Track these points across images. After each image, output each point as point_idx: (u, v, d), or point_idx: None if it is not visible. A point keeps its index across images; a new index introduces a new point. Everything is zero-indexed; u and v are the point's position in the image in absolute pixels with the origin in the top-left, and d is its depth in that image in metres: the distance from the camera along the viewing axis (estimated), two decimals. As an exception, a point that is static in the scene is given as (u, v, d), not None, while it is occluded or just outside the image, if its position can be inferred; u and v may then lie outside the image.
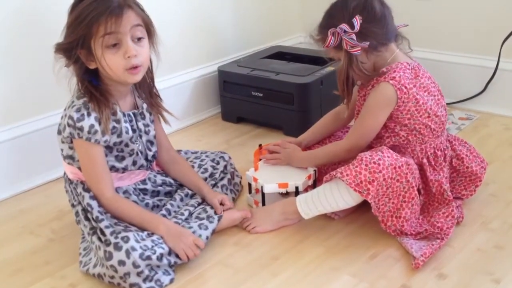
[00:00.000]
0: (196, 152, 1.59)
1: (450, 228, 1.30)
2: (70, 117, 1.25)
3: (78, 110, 1.25)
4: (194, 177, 1.46)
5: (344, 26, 1.29)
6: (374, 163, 1.26)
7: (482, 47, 1.97)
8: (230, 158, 1.58)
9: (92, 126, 1.25)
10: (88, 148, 1.27)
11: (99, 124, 1.26)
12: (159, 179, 1.44)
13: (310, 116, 1.86)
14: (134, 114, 1.35)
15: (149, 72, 1.37)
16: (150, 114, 1.40)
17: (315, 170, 1.49)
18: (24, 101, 1.60)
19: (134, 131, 1.34)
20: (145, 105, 1.38)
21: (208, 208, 1.38)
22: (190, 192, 1.44)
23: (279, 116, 1.93)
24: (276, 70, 1.96)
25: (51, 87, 1.57)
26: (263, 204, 1.45)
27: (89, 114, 1.25)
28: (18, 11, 1.53)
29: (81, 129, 1.25)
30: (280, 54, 2.14)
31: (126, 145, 1.33)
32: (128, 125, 1.32)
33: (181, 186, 1.46)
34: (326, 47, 1.35)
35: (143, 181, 1.40)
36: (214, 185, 1.48)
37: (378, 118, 1.34)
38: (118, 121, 1.30)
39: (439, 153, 1.39)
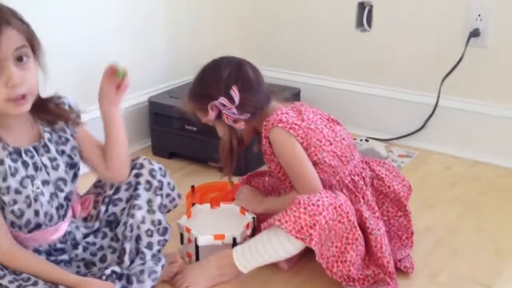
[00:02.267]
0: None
1: (389, 263, 1.23)
2: None
3: None
4: (106, 134, 1.22)
5: (223, 100, 1.25)
6: (313, 204, 1.17)
7: (421, 83, 1.95)
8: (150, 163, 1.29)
9: None
10: None
11: None
12: (81, 232, 1.23)
13: (247, 152, 1.75)
14: (35, 148, 1.13)
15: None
16: (60, 143, 1.17)
17: (253, 218, 1.37)
18: None
19: (36, 169, 1.12)
20: (47, 135, 1.15)
21: None
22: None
23: (214, 152, 1.80)
24: (211, 103, 1.84)
25: None
26: (197, 257, 1.32)
27: None
28: None
29: None
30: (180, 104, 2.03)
31: (17, 191, 1.10)
32: (18, 164, 1.10)
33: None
34: (205, 121, 1.32)
35: (61, 240, 1.19)
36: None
37: (301, 160, 1.27)
38: (0, 162, 1.08)
39: (356, 178, 1.32)
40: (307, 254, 1.28)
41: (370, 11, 2.00)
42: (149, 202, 1.23)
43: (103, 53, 1.79)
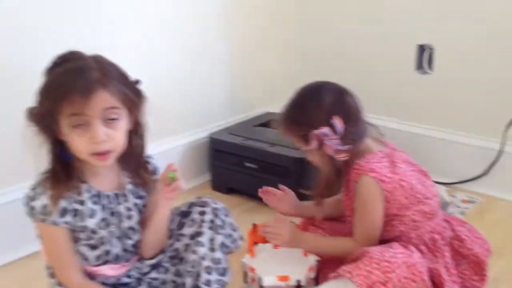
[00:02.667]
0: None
1: None
2: (25, 195, 1.12)
3: (33, 188, 1.11)
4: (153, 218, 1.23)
5: (326, 130, 1.22)
6: (387, 261, 1.14)
7: (484, 128, 1.90)
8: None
9: (45, 206, 1.10)
10: (47, 230, 1.12)
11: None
12: (146, 266, 1.25)
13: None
14: (116, 195, 1.18)
15: (139, 141, 1.19)
16: (138, 197, 1.22)
17: (317, 261, 1.35)
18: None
19: (113, 214, 1.18)
20: (130, 186, 1.21)
21: None
22: None
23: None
24: (270, 141, 1.85)
25: (14, 159, 1.44)
26: (260, 298, 1.31)
27: (43, 193, 1.10)
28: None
29: (33, 208, 1.10)
30: (273, 122, 2.04)
31: (93, 231, 1.15)
32: (97, 207, 1.15)
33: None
34: (305, 150, 1.28)
35: (127, 274, 1.22)
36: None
37: (374, 214, 1.26)
38: (82, 202, 1.13)
39: (437, 236, 1.29)
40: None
41: (430, 54, 1.98)
42: (211, 240, 1.24)
43: (166, 91, 1.83)
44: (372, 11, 2.07)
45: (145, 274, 1.25)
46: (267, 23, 2.19)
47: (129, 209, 1.20)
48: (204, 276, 1.21)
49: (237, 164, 1.86)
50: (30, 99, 1.09)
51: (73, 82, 1.04)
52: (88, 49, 1.10)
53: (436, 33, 1.95)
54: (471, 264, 1.32)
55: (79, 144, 1.07)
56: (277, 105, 2.19)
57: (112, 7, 1.67)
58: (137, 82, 1.14)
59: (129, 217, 1.20)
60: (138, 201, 1.22)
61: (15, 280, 1.41)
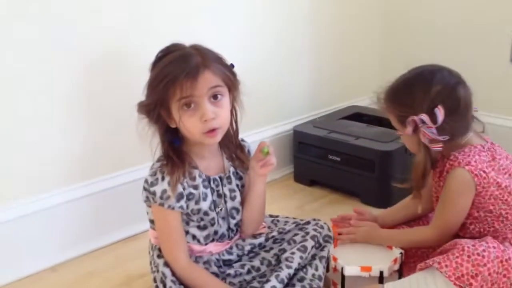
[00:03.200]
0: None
1: None
2: (146, 181, 1.22)
3: (153, 174, 1.21)
4: (246, 196, 1.32)
5: (425, 117, 1.19)
6: (478, 254, 1.12)
7: None
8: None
9: (164, 191, 1.19)
10: (163, 213, 1.21)
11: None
12: (248, 243, 1.33)
13: (391, 186, 1.74)
14: (220, 178, 1.27)
15: (233, 125, 1.28)
16: (239, 178, 1.31)
17: (401, 253, 1.36)
18: (99, 158, 1.56)
19: (219, 196, 1.27)
20: (232, 169, 1.30)
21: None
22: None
23: (357, 183, 1.82)
24: (355, 134, 1.86)
25: (125, 144, 1.57)
26: (342, 287, 1.33)
27: (163, 179, 1.19)
28: (96, 64, 1.50)
29: (154, 194, 1.19)
30: (358, 115, 2.05)
31: (206, 213, 1.24)
32: (208, 191, 1.25)
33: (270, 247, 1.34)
34: (399, 134, 1.26)
35: (228, 251, 1.30)
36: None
37: (460, 206, 1.23)
38: (196, 187, 1.22)
39: None
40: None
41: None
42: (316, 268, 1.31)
43: (252, 84, 1.88)
44: (461, 2, 2.01)
45: (247, 251, 1.32)
46: (354, 17, 2.19)
47: (233, 191, 1.29)
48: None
49: (321, 157, 1.88)
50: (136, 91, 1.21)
51: (179, 68, 1.14)
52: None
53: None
54: None
55: (191, 125, 1.17)
56: (362, 99, 2.22)
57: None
58: (232, 65, 1.23)
59: (233, 198, 1.29)
60: (239, 182, 1.31)
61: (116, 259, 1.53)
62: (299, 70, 2.05)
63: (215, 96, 1.18)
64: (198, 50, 1.18)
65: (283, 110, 2.03)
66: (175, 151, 1.21)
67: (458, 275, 1.12)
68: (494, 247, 1.14)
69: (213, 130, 1.18)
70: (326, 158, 1.87)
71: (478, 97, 2.05)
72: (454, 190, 1.23)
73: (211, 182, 1.25)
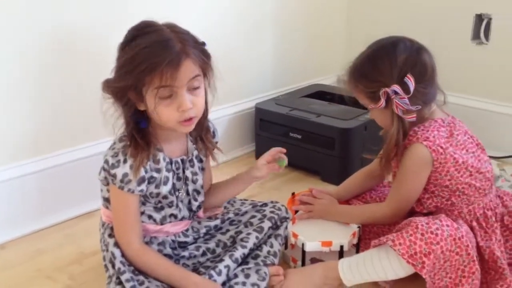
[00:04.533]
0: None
1: None
2: (106, 161, 1.15)
3: (115, 155, 1.14)
4: (230, 185, 1.36)
5: (397, 88, 1.18)
6: (432, 233, 1.12)
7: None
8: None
9: (126, 174, 1.14)
10: (121, 196, 1.16)
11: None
12: (204, 226, 1.31)
13: (351, 163, 1.75)
14: (182, 161, 1.23)
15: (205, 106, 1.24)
16: (200, 161, 1.28)
17: (359, 227, 1.36)
18: (52, 133, 1.50)
19: (179, 179, 1.23)
20: (195, 152, 1.26)
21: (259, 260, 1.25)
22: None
23: (317, 161, 1.82)
24: (316, 111, 1.84)
25: (73, 121, 1.51)
26: (303, 263, 1.33)
27: (125, 161, 1.14)
28: (51, 37, 1.43)
29: (114, 176, 1.14)
30: (321, 94, 2.04)
31: (165, 197, 1.21)
32: (170, 174, 1.20)
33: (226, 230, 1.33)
34: (372, 108, 1.24)
35: (184, 233, 1.28)
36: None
37: (416, 182, 1.24)
38: (158, 170, 1.18)
39: (489, 213, 1.26)
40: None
41: (488, 24, 1.91)
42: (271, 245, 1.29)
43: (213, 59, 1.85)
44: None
45: (203, 234, 1.30)
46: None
47: (195, 174, 1.25)
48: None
49: (282, 134, 1.86)
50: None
51: (159, 55, 1.07)
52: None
53: (494, 2, 1.88)
54: None
55: (167, 113, 1.11)
56: (326, 77, 2.20)
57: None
58: (204, 43, 1.17)
59: (195, 181, 1.26)
60: (200, 165, 1.28)
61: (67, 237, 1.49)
62: (262, 47, 2.02)
63: (193, 87, 1.13)
64: (177, 34, 1.11)
65: (245, 88, 2.00)
66: (140, 133, 1.15)
67: (411, 253, 1.11)
68: (447, 225, 1.14)
69: (189, 119, 1.14)
70: (288, 135, 1.85)
71: (443, 76, 2.07)
72: (411, 166, 1.23)
73: (173, 165, 1.21)
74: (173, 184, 1.21)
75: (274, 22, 2.03)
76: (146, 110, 1.14)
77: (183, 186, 1.24)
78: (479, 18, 1.93)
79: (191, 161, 1.25)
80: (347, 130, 1.74)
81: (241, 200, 1.43)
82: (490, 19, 1.90)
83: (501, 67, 1.90)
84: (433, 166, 1.22)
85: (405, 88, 1.17)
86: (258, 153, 1.96)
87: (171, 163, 1.21)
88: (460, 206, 1.25)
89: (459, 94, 2.00)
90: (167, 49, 1.08)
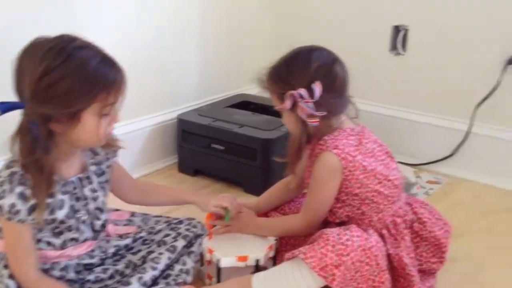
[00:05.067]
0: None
1: None
2: None
3: (0, 184, 1.06)
4: (175, 194, 1.37)
5: (303, 92, 1.20)
6: (342, 244, 1.14)
7: (454, 109, 1.91)
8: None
9: (13, 205, 1.05)
10: (11, 227, 1.09)
11: (25, 200, 1.06)
12: (113, 245, 1.26)
13: (273, 174, 1.75)
14: (79, 179, 1.17)
15: None
16: (100, 174, 1.22)
17: (276, 240, 1.36)
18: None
19: (78, 199, 1.16)
20: (93, 167, 1.20)
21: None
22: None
23: (240, 172, 1.81)
24: (239, 122, 1.84)
25: None
26: (218, 279, 1.31)
27: (11, 190, 1.05)
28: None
29: (1, 207, 1.06)
30: (245, 103, 2.04)
31: (62, 221, 1.14)
32: (66, 197, 1.14)
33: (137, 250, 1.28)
34: (279, 109, 1.26)
35: (90, 254, 1.21)
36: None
37: (327, 190, 1.26)
38: (52, 195, 1.10)
39: (398, 220, 1.29)
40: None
41: (405, 35, 1.97)
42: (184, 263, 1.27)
43: (135, 68, 1.81)
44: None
45: (111, 253, 1.25)
46: (243, 6, 2.16)
47: (94, 191, 1.19)
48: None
49: (204, 146, 1.85)
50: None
51: (110, 72, 1.04)
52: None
53: (411, 14, 1.94)
54: (431, 247, 1.33)
55: (101, 129, 1.07)
56: (251, 87, 2.21)
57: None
58: None
59: (95, 198, 1.19)
60: (102, 179, 1.22)
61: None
62: (185, 57, 2.00)
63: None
64: (102, 50, 1.07)
65: (168, 98, 1.97)
66: (39, 160, 1.06)
67: (322, 266, 1.12)
68: (357, 236, 1.16)
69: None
70: (210, 147, 1.84)
71: (361, 85, 2.12)
72: (322, 175, 1.25)
73: (68, 186, 1.15)
74: (71, 206, 1.15)
75: (197, 32, 2.02)
76: (56, 132, 1.05)
77: (84, 207, 1.18)
78: (397, 29, 1.99)
79: (88, 178, 1.18)
80: (268, 141, 1.75)
81: (155, 217, 1.39)
82: (407, 30, 1.96)
83: (417, 77, 1.97)
84: (343, 174, 1.24)
85: (311, 94, 1.20)
86: (181, 166, 1.94)
87: (65, 184, 1.14)
88: (370, 215, 1.28)
89: (377, 103, 2.06)
90: (113, 65, 1.06)
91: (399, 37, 1.98)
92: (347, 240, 1.14)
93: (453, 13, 1.85)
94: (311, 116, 1.21)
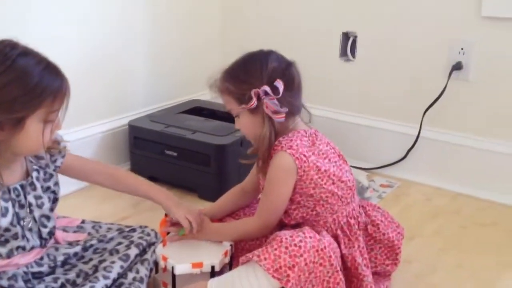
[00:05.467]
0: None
1: None
2: None
3: None
4: (144, 189, 1.34)
5: (267, 88, 1.21)
6: (295, 245, 1.14)
7: (404, 114, 1.95)
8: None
9: None
10: None
11: None
12: (62, 253, 1.22)
13: (227, 179, 1.73)
14: (22, 186, 1.13)
15: None
16: (47, 179, 1.18)
17: (231, 245, 1.34)
18: None
19: (22, 206, 1.13)
20: (35, 173, 1.16)
21: None
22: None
23: (194, 178, 1.79)
24: (192, 128, 1.82)
25: None
26: (173, 287, 1.28)
27: None
28: None
29: None
30: (198, 109, 2.02)
31: (7, 229, 1.10)
32: (9, 204, 1.10)
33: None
34: (244, 109, 1.24)
35: (38, 262, 1.17)
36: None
37: (282, 190, 1.26)
38: None
39: (352, 221, 1.30)
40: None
41: (354, 41, 2.01)
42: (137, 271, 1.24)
43: (82, 74, 1.76)
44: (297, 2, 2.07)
45: (60, 262, 1.21)
46: (194, 12, 2.15)
47: (39, 198, 1.16)
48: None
49: (158, 152, 1.82)
50: None
51: (55, 79, 1.05)
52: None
53: (359, 21, 1.98)
54: (384, 249, 1.34)
55: (46, 136, 1.06)
56: (203, 93, 2.19)
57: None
58: None
59: (40, 206, 1.16)
60: (49, 183, 1.19)
61: None
62: (134, 63, 1.96)
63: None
64: (44, 56, 1.07)
65: (118, 104, 1.93)
66: None
67: (276, 267, 1.12)
68: (310, 237, 1.16)
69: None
70: (163, 153, 1.81)
71: (312, 91, 2.14)
72: (277, 175, 1.24)
73: (11, 193, 1.11)
74: (15, 214, 1.11)
75: (147, 39, 1.99)
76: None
77: (28, 214, 1.14)
78: (346, 36, 2.02)
79: (31, 184, 1.15)
80: (222, 147, 1.74)
81: (107, 224, 1.35)
82: (356, 37, 2.00)
83: (368, 83, 2.00)
84: (297, 174, 1.24)
85: (274, 91, 1.21)
86: (134, 172, 1.89)
87: (9, 191, 1.11)
88: (325, 216, 1.28)
89: (329, 108, 2.08)
90: (58, 72, 1.06)
91: (348, 44, 2.01)
92: (300, 241, 1.14)
93: (400, 21, 1.90)
94: (277, 112, 1.22)
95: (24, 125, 1.03)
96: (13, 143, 1.05)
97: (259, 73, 1.23)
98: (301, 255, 1.13)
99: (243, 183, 1.45)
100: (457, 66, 1.81)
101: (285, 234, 1.16)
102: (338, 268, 1.18)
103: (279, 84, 1.21)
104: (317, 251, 1.15)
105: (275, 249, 1.13)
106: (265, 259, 1.12)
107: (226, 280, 1.19)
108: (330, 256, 1.16)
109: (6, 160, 1.09)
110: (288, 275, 1.11)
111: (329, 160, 1.28)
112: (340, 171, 1.29)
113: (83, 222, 1.35)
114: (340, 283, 1.17)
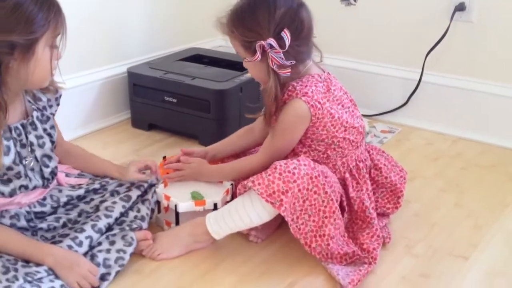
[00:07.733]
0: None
1: (376, 250, 1.22)
2: None
3: None
4: (97, 163, 1.33)
5: (273, 42, 1.17)
6: (289, 172, 1.14)
7: (405, 58, 1.92)
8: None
9: None
10: None
11: None
12: (65, 195, 1.23)
13: (227, 125, 1.73)
14: (22, 125, 1.13)
15: None
16: (45, 121, 1.18)
17: (232, 184, 1.35)
18: None
19: (23, 146, 1.13)
20: (35, 113, 1.16)
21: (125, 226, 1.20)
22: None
23: (194, 124, 1.78)
24: (192, 74, 1.80)
25: None
26: (177, 224, 1.29)
27: None
28: None
29: None
30: (198, 57, 1.99)
31: (10, 168, 1.11)
32: (11, 143, 1.11)
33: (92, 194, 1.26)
34: (249, 61, 1.21)
35: (41, 202, 1.19)
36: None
37: (293, 136, 1.25)
38: None
39: (361, 164, 1.31)
40: (281, 227, 1.29)
41: (355, -16, 1.97)
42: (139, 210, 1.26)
43: (82, 22, 1.74)
44: None
45: (63, 203, 1.22)
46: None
47: (40, 137, 1.17)
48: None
49: (157, 99, 1.81)
50: None
51: (54, 3, 1.06)
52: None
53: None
54: (386, 193, 1.35)
55: (53, 63, 1.08)
56: (204, 41, 2.16)
57: None
58: None
59: (42, 145, 1.17)
60: (47, 125, 1.19)
61: None
62: (134, 9, 1.93)
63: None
64: None
65: (117, 51, 1.90)
66: None
67: (270, 192, 1.13)
68: (305, 165, 1.16)
69: None
70: (163, 100, 1.80)
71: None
72: (290, 120, 1.23)
73: (13, 132, 1.12)
74: (17, 153, 1.12)
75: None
76: (9, 68, 1.04)
77: (30, 153, 1.15)
78: (348, -21, 1.97)
79: (32, 123, 1.16)
80: (222, 92, 1.72)
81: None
82: (358, -20, 1.95)
83: (369, 27, 1.97)
84: (311, 121, 1.23)
85: (281, 43, 1.17)
86: (134, 121, 1.90)
87: (10, 130, 1.11)
88: (334, 159, 1.28)
89: (329, 54, 2.01)
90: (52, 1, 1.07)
91: (351, -12, 1.97)
92: (294, 168, 1.15)
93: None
94: (282, 66, 1.18)
95: (35, 51, 1.04)
96: (23, 73, 1.05)
97: (266, 22, 1.18)
98: (295, 181, 1.14)
99: (253, 123, 1.44)
100: (460, 7, 1.78)
101: (280, 162, 1.17)
102: (333, 198, 1.18)
103: (286, 36, 1.17)
104: (310, 178, 1.16)
105: (269, 175, 1.14)
106: (259, 184, 1.14)
107: (223, 212, 1.21)
108: (324, 184, 1.17)
109: (11, 94, 1.09)
110: (281, 200, 1.12)
111: (343, 106, 1.27)
112: (352, 118, 1.28)
113: None
114: (335, 212, 1.18)
